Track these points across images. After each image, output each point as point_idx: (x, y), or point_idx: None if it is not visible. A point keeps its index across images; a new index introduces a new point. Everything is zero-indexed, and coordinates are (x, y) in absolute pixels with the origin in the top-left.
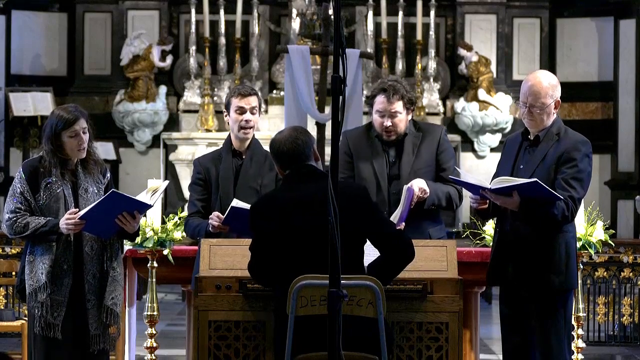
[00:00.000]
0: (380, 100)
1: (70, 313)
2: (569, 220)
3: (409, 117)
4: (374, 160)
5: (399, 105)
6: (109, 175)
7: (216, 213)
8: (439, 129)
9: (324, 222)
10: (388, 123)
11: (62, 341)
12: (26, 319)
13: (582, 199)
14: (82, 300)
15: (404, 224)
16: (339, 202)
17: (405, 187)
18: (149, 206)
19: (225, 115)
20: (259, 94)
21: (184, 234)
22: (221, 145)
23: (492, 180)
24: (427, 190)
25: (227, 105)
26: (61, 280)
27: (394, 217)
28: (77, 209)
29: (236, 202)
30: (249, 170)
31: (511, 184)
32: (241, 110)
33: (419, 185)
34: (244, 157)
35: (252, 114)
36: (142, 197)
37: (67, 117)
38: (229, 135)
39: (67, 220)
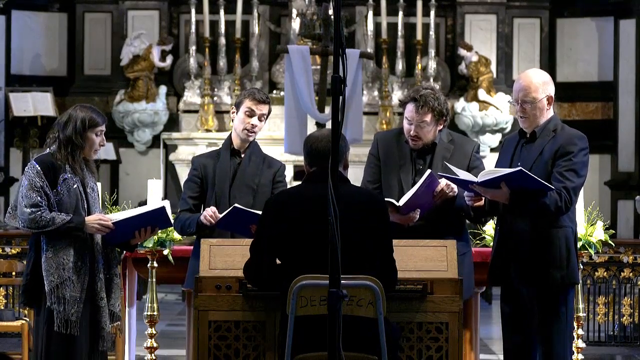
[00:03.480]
0: (410, 109)
1: (84, 310)
2: (563, 210)
3: (440, 127)
4: (401, 168)
5: (427, 117)
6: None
7: (213, 208)
8: (471, 145)
9: (339, 225)
10: (414, 132)
11: (78, 337)
12: (26, 319)
13: (579, 190)
14: (94, 297)
15: (418, 212)
16: (355, 207)
17: (428, 171)
18: (171, 225)
19: (233, 112)
20: (270, 103)
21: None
22: (221, 145)
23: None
24: (455, 189)
25: (239, 104)
26: (79, 277)
27: (404, 198)
28: (104, 212)
29: (239, 205)
30: (247, 169)
31: (497, 175)
32: (251, 113)
33: (447, 181)
34: (242, 156)
35: (260, 120)
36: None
37: (97, 117)
38: (230, 134)
39: (100, 222)
